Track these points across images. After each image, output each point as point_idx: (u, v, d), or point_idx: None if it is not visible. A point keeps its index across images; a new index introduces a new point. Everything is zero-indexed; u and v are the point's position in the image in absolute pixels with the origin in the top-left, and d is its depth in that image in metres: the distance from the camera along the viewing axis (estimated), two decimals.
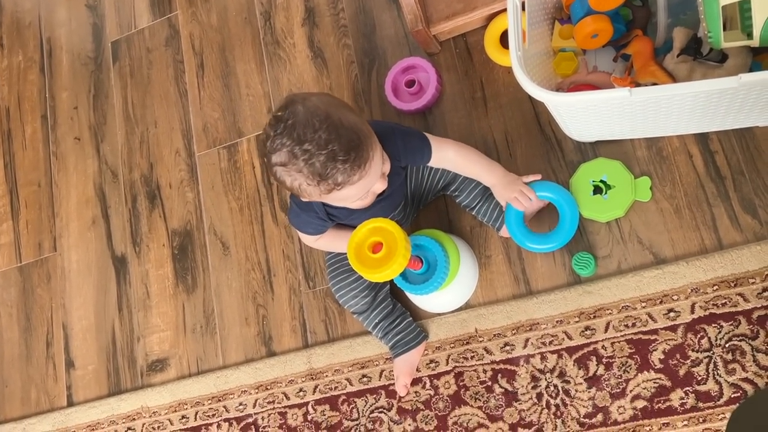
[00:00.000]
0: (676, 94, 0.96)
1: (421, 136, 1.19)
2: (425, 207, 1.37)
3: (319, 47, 1.57)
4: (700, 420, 1.13)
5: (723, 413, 1.12)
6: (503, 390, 1.26)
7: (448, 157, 1.21)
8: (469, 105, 1.40)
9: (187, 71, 1.71)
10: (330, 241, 1.28)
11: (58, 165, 1.80)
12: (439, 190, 1.32)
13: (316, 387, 1.39)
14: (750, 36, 0.99)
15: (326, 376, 1.39)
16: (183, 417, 1.49)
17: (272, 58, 1.62)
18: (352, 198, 1.06)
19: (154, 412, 1.51)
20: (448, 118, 1.41)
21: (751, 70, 1.10)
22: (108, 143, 1.76)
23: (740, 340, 1.13)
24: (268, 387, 1.42)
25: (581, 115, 1.13)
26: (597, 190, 1.25)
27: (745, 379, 1.12)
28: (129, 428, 1.53)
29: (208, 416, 1.46)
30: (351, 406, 1.36)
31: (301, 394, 1.40)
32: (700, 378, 1.14)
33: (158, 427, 1.50)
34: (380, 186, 1.08)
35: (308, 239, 1.28)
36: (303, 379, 1.40)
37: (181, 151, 1.66)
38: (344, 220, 1.22)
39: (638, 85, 1.20)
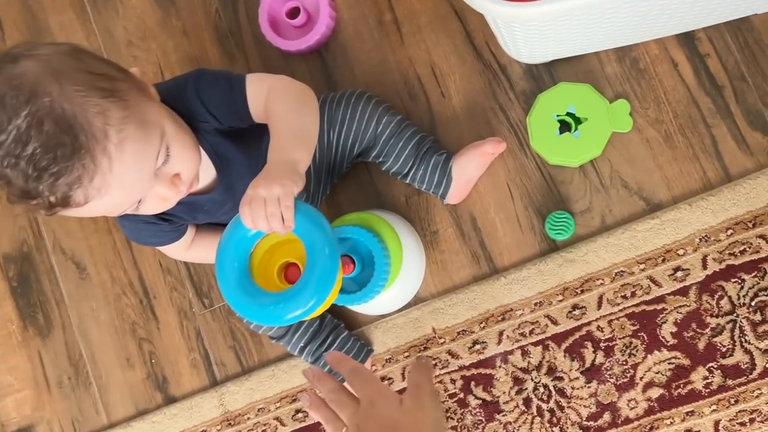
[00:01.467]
0: None
1: (226, 78, 0.79)
2: (341, 180, 1.03)
3: None
4: (732, 401, 0.90)
5: (759, 389, 0.89)
6: (480, 401, 0.98)
7: (271, 107, 0.77)
8: (377, 33, 1.04)
9: None
10: (206, 251, 0.93)
11: None
12: (356, 156, 0.98)
13: None
14: None
15: (248, 418, 1.05)
16: None
17: (97, 1, 1.18)
18: (109, 214, 0.71)
19: None
20: (353, 55, 1.05)
21: None
22: None
23: None
24: None
25: (542, 29, 0.80)
26: (564, 126, 0.94)
27: None
28: None
29: None
30: None
31: None
32: (724, 349, 0.90)
33: None
34: (168, 193, 0.70)
35: (172, 251, 0.93)
36: (218, 427, 1.07)
37: None
38: (188, 219, 0.86)
39: None
